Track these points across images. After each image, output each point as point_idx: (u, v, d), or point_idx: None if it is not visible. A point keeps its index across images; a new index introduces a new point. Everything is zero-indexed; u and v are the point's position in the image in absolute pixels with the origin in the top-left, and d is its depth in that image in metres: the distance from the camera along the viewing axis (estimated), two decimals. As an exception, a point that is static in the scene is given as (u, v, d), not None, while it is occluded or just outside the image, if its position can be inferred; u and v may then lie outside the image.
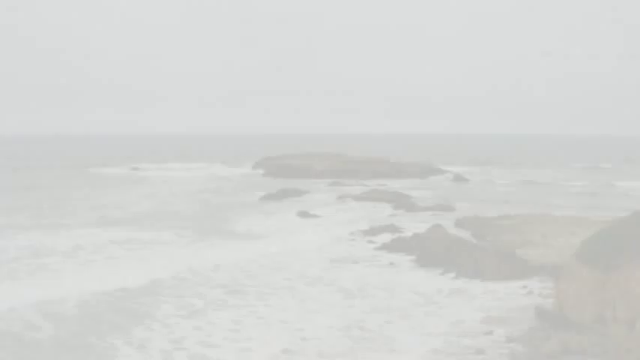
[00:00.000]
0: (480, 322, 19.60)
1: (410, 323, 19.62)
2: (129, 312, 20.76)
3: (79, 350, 17.35)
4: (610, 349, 15.84)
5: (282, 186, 62.43)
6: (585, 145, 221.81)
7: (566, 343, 16.27)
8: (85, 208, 47.58)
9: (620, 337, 15.66)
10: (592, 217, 38.07)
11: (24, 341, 17.96)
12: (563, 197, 56.74)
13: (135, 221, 40.89)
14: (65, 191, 59.88)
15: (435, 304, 21.74)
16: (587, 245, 18.13)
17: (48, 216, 43.04)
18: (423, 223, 38.69)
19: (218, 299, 22.32)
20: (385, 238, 34.19)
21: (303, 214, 43.21)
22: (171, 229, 37.39)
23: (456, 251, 27.79)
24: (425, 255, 28.76)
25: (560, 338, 16.58)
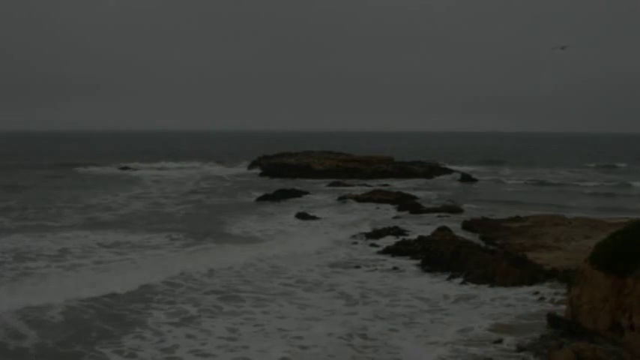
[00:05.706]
0: (488, 329, 19.58)
1: (415, 331, 19.60)
2: (118, 319, 20.73)
3: (66, 359, 17.33)
4: (626, 357, 15.83)
5: (280, 186, 62.52)
6: (599, 144, 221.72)
7: (580, 352, 16.25)
8: (72, 209, 47.55)
9: (637, 346, 15.64)
10: (607, 219, 38.13)
11: (7, 350, 17.95)
12: (577, 198, 56.82)
13: (124, 223, 40.90)
14: (51, 191, 59.84)
15: (441, 311, 21.72)
16: (601, 249, 18.11)
17: (33, 218, 43.00)
18: (429, 225, 38.77)
19: (212, 306, 22.29)
20: (388, 241, 34.22)
21: (302, 216, 43.24)
22: (163, 231, 37.38)
23: (463, 255, 27.81)
24: (430, 259, 28.78)
25: (573, 347, 16.55)
